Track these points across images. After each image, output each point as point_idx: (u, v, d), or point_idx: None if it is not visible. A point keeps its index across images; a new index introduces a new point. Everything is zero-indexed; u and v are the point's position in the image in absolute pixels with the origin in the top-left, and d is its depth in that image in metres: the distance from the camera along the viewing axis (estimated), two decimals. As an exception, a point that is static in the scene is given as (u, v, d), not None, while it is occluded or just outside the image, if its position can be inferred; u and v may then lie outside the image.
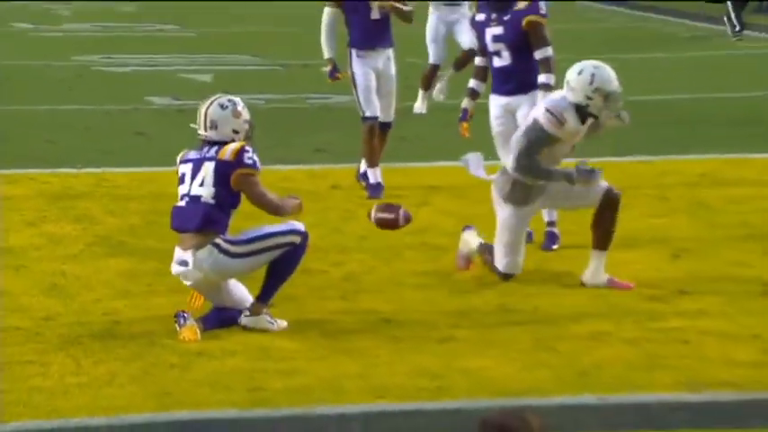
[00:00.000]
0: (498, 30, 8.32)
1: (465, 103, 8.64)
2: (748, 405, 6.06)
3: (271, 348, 6.72)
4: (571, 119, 7.40)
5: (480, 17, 8.45)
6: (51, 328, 7.01)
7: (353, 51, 9.62)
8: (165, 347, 6.70)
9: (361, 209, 9.57)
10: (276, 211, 7.00)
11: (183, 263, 6.87)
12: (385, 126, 9.78)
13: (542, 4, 8.33)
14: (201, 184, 6.85)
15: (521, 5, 8.29)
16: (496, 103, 8.44)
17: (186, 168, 6.93)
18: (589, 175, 7.40)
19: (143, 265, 8.08)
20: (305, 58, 15.57)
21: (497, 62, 8.37)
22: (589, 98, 7.41)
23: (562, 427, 5.78)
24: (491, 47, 8.37)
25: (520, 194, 7.56)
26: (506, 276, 7.73)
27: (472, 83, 8.63)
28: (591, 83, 7.41)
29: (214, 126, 6.95)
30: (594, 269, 7.64)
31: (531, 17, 8.25)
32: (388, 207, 7.66)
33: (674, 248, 8.40)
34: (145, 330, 6.94)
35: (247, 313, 6.97)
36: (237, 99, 7.05)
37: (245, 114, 7.03)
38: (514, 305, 7.41)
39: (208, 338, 6.81)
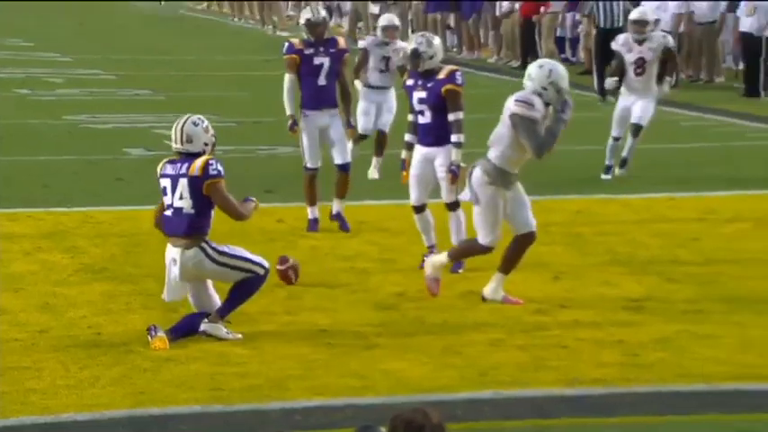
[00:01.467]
0: (422, 94, 8.37)
1: (404, 154, 8.67)
2: (615, 397, 6.09)
3: (228, 355, 6.65)
4: (535, 100, 7.46)
5: (409, 82, 8.50)
6: (44, 339, 6.89)
7: (303, 111, 9.61)
8: (140, 355, 6.61)
9: (301, 240, 9.52)
10: (238, 216, 6.98)
11: (173, 261, 6.81)
12: (343, 167, 9.66)
13: (458, 75, 8.39)
14: (181, 198, 6.82)
15: (441, 75, 8.34)
16: (419, 152, 8.47)
17: (166, 182, 6.88)
18: (566, 107, 7.46)
19: (122, 287, 7.98)
20: (255, 116, 15.53)
21: (421, 119, 8.41)
22: (544, 88, 7.47)
23: (466, 418, 5.77)
24: (416, 107, 8.42)
25: (503, 180, 7.53)
26: (490, 249, 7.62)
27: (408, 137, 8.64)
28: (548, 76, 7.49)
29: (189, 140, 6.92)
30: (495, 287, 7.64)
31: (449, 86, 8.30)
32: (285, 262, 7.96)
33: (555, 271, 8.42)
34: (123, 341, 6.85)
35: (206, 321, 6.92)
36: (203, 117, 7.05)
37: (212, 130, 7.01)
38: (427, 318, 7.39)
39: (175, 347, 6.73)
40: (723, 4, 19.51)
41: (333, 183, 9.85)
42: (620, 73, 11.88)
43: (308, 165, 9.66)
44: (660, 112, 13.23)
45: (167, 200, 6.87)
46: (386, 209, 10.23)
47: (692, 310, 7.51)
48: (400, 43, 11.77)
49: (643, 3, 19.04)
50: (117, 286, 8.02)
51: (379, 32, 11.69)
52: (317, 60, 9.52)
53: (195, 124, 6.95)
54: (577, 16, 22.31)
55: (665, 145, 13.65)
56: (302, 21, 9.72)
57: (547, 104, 7.53)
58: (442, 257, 7.84)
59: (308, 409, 5.88)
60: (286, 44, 9.72)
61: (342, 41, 9.73)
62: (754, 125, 15.38)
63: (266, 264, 6.98)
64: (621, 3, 17.93)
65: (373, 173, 11.70)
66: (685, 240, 9.40)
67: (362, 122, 12.01)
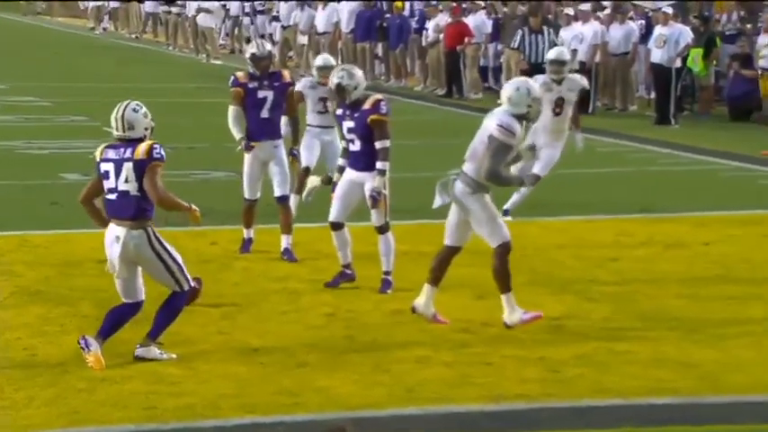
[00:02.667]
0: (351, 123, 8.43)
1: (335, 177, 8.69)
2: (536, 412, 6.13)
3: (162, 374, 6.57)
4: (517, 127, 7.50)
5: (339, 112, 8.56)
6: (-20, 361, 6.75)
7: (247, 142, 9.53)
8: (75, 375, 6.51)
9: (235, 261, 9.46)
10: (160, 199, 6.78)
11: (116, 238, 6.73)
12: (281, 199, 9.55)
13: (383, 104, 8.42)
14: (126, 181, 6.74)
15: (367, 105, 8.39)
16: (348, 174, 8.52)
17: (108, 167, 6.80)
18: (532, 178, 7.63)
19: (56, 310, 7.86)
20: (189, 142, 15.42)
21: (351, 147, 8.48)
22: (529, 106, 7.55)
23: (394, 433, 5.76)
24: (346, 136, 8.49)
25: (482, 189, 7.55)
26: (509, 244, 7.52)
27: (340, 161, 8.69)
28: (529, 95, 7.55)
29: (131, 127, 6.86)
30: (426, 301, 7.58)
31: (374, 116, 8.35)
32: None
33: (479, 291, 8.45)
34: (58, 362, 6.73)
35: (139, 346, 6.83)
36: (141, 103, 6.98)
37: (150, 115, 6.94)
38: (357, 337, 7.38)
39: (110, 367, 6.63)
40: (636, 36, 19.88)
41: (269, 210, 9.82)
42: None
43: (246, 196, 9.63)
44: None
45: (110, 184, 6.79)
46: (316, 231, 10.22)
47: (609, 328, 7.59)
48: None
49: (562, 33, 19.33)
50: (52, 308, 7.89)
51: (314, 72, 11.08)
52: (260, 94, 9.50)
53: (135, 110, 6.90)
54: (500, 47, 22.54)
55: (583, 170, 13.82)
56: (248, 55, 9.70)
57: (527, 120, 7.57)
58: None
59: (240, 426, 5.83)
60: (231, 77, 9.70)
61: (287, 75, 9.72)
62: (666, 151, 15.64)
63: (193, 283, 6.94)
64: (547, 37, 18.07)
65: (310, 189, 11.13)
66: (603, 261, 9.50)
67: (305, 156, 11.02)
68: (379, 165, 8.31)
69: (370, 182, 8.39)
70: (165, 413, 5.96)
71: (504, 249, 7.54)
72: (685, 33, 18.43)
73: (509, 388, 6.40)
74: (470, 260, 9.39)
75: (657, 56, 18.53)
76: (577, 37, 19.44)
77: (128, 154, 6.77)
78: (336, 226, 8.55)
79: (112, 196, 6.79)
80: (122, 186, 6.75)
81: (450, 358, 6.92)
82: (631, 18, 20.57)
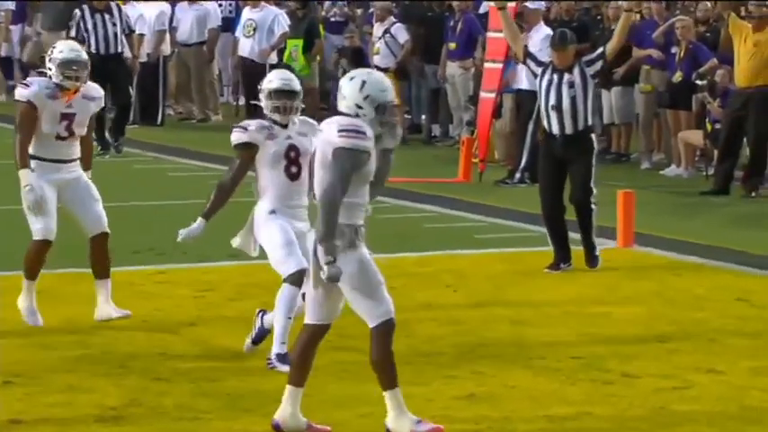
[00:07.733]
0: None
1: None
2: None
3: None
4: (367, 128, 6.83)
5: None
6: None
7: None
8: None
9: None
10: None
11: None
12: None
13: None
14: None
15: None
16: None
17: None
18: (333, 271, 6.81)
19: None
20: None
21: None
22: (359, 107, 6.87)
23: None
24: None
25: (353, 240, 6.86)
26: (392, 324, 6.97)
27: None
28: (361, 89, 6.88)
29: None
30: (398, 411, 7.04)
31: None
32: None
33: (6, 374, 8.12)
34: None
35: None
36: None
37: None
38: None
39: None
40: (214, 20, 20.06)
41: None
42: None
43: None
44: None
45: None
46: None
47: (188, 417, 7.52)
48: (94, 89, 9.34)
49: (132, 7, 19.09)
50: None
51: (54, 71, 9.07)
52: None
53: None
54: (28, 29, 22.07)
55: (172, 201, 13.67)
56: None
57: None
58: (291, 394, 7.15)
59: None
60: None
61: None
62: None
63: None
64: (119, 19, 17.54)
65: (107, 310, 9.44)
66: (178, 326, 9.44)
67: (42, 224, 9.20)
68: None
69: None
70: None
71: (386, 328, 6.98)
72: (281, 19, 18.94)
73: None
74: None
75: (246, 48, 18.93)
76: (142, 19, 19.31)
77: None
78: None
79: None
80: None
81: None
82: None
